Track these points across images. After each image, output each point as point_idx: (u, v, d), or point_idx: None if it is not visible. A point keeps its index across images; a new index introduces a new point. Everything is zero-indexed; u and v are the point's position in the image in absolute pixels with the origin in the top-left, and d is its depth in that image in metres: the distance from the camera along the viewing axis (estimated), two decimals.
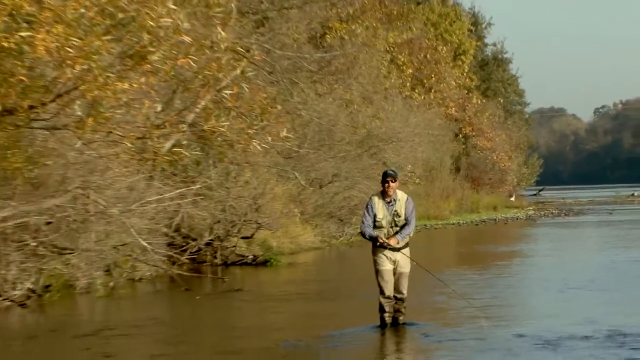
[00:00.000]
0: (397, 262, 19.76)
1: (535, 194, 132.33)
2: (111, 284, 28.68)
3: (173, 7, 21.68)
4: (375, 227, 19.71)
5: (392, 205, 19.76)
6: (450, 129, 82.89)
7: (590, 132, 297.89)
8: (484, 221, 75.53)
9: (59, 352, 18.71)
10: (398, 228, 19.70)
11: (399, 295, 19.94)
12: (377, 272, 19.88)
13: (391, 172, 20.30)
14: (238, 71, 30.31)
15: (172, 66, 23.11)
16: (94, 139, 24.95)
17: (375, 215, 19.72)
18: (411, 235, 19.96)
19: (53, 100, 22.23)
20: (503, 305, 25.63)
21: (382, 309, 19.94)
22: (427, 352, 18.28)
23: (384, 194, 19.87)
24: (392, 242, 19.56)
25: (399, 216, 19.71)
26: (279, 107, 35.53)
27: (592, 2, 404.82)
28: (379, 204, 19.82)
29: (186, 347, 19.33)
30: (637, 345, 17.67)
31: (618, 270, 32.85)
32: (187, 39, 22.18)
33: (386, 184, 19.77)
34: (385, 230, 19.67)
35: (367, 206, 20.11)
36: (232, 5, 25.26)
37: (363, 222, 19.95)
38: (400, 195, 19.99)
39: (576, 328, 19.55)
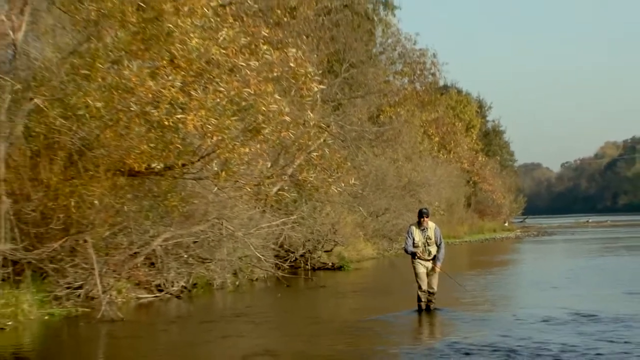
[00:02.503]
0: (428, 267, 19.93)
1: (521, 221, 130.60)
2: (237, 282, 28.68)
3: (278, 97, 21.71)
4: (413, 246, 19.88)
5: (425, 231, 19.95)
6: (463, 177, 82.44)
7: (558, 179, 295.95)
8: (487, 239, 74.90)
9: (192, 332, 18.62)
10: (429, 247, 19.90)
11: (431, 290, 19.99)
12: (416, 274, 20.00)
13: (425, 211, 20.44)
14: (321, 140, 30.33)
15: (277, 137, 23.10)
16: (226, 186, 25.00)
17: (414, 239, 19.92)
18: (441, 255, 20.04)
19: (198, 160, 22.29)
20: (503, 297, 25.40)
21: (419, 299, 20.03)
22: (450, 326, 18.13)
23: (419, 224, 20.01)
24: (437, 266, 19.93)
25: (430, 239, 19.89)
26: (349, 163, 35.52)
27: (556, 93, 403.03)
28: (416, 231, 20.01)
29: (283, 330, 19.31)
30: (595, 322, 17.66)
31: (578, 273, 32.41)
32: (287, 118, 22.14)
33: (422, 219, 19.98)
34: (420, 249, 19.87)
35: (408, 232, 20.31)
36: (317, 96, 25.28)
37: (406, 243, 20.22)
38: (431, 224, 20.11)
39: (553, 312, 19.33)
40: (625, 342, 15.05)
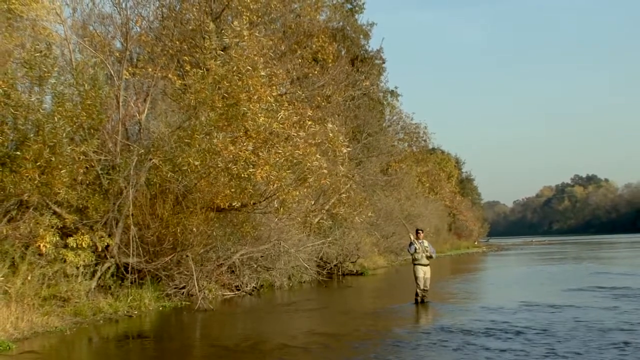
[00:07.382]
0: (425, 272, 19.86)
1: (486, 241, 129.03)
2: (291, 284, 28.46)
3: (319, 157, 21.65)
4: (415, 252, 20.00)
5: (421, 243, 20.13)
6: (446, 211, 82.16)
7: (511, 211, 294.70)
8: (463, 253, 74.17)
9: (260, 318, 18.45)
10: (425, 253, 20.01)
11: (426, 288, 19.90)
12: (416, 277, 19.93)
13: (420, 230, 20.78)
14: (348, 185, 30.21)
15: (318, 184, 23.01)
16: (283, 217, 24.96)
17: (415, 247, 20.07)
18: (435, 255, 20.20)
19: (264, 200, 22.21)
20: (473, 292, 24.96)
21: (416, 295, 19.87)
22: (438, 314, 17.73)
23: (417, 238, 20.28)
24: (431, 252, 20.10)
25: (425, 247, 20.07)
26: (367, 202, 35.41)
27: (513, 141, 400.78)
28: (416, 242, 20.13)
29: (322, 316, 19.18)
30: (541, 310, 17.18)
31: (526, 276, 31.94)
32: (325, 171, 22.06)
33: (418, 233, 20.33)
34: (420, 254, 20.01)
35: (410, 243, 20.34)
36: (346, 155, 25.14)
37: (410, 247, 20.25)
38: (425, 239, 20.39)
39: (508, 303, 19.00)
40: (557, 321, 14.77)
